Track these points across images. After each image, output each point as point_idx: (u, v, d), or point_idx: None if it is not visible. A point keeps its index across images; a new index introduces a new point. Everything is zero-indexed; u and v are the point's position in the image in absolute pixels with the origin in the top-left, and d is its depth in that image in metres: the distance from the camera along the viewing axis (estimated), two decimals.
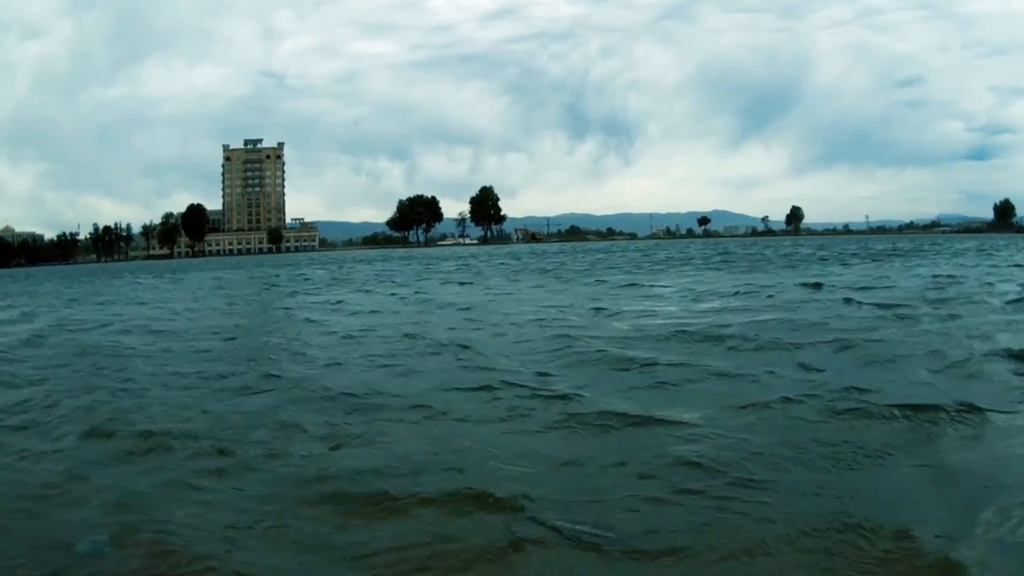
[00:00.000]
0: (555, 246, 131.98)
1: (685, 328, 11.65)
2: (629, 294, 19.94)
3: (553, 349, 10.25)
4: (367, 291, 25.77)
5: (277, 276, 43.18)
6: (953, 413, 6.08)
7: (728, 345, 10.00)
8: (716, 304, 16.21)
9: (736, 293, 18.64)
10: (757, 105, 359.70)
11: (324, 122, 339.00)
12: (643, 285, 23.07)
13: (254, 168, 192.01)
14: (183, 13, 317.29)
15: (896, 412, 6.16)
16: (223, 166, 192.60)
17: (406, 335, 12.32)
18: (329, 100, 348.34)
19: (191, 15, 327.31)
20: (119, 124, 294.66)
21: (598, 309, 15.53)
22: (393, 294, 23.46)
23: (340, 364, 9.96)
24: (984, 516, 4.19)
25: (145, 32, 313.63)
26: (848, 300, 15.26)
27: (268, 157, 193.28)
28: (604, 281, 25.03)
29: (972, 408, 6.17)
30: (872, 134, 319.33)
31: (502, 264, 47.94)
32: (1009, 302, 14.43)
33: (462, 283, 27.61)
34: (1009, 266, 28.20)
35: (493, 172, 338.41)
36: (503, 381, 8.02)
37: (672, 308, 15.64)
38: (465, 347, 10.67)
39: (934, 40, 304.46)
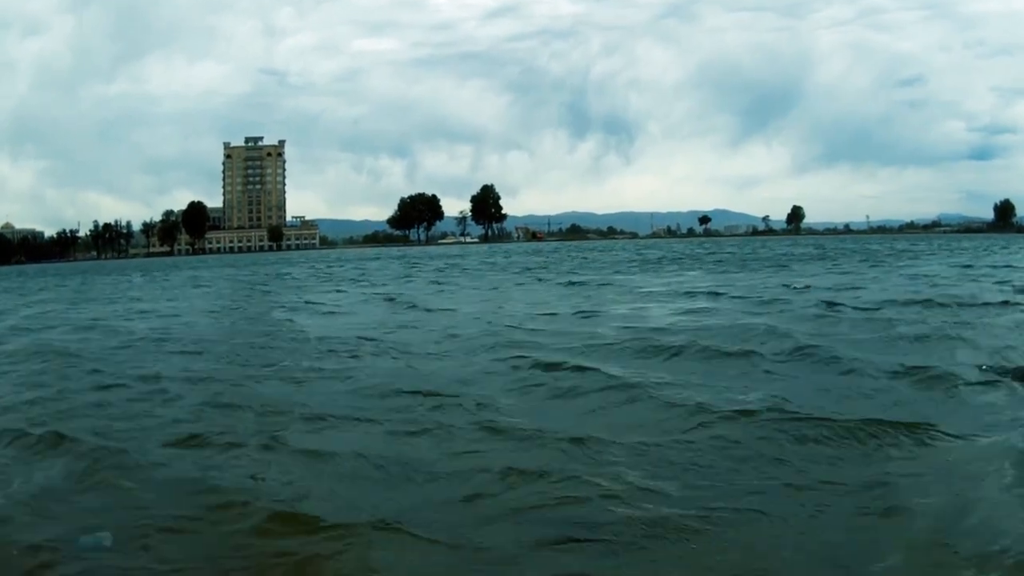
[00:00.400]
0: (551, 245, 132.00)
1: (644, 332, 11.38)
2: (599, 295, 19.66)
3: (492, 349, 10.07)
4: (342, 291, 25.61)
5: (266, 275, 43.07)
6: (903, 436, 5.61)
7: (681, 352, 9.57)
8: (687, 306, 15.92)
9: (714, 294, 18.32)
10: (758, 104, 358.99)
11: (325, 120, 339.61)
12: (620, 285, 22.82)
13: (255, 166, 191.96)
14: (183, 10, 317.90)
15: (841, 431, 5.74)
16: (224, 163, 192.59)
17: (359, 338, 12.11)
18: (330, 98, 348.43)
19: (191, 12, 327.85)
20: (120, 121, 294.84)
21: (560, 312, 15.27)
22: (377, 294, 23.21)
23: (272, 367, 9.71)
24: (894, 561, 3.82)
25: (145, 29, 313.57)
26: (829, 303, 14.82)
27: (269, 155, 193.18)
28: (581, 283, 24.74)
29: (923, 429, 5.71)
30: (873, 133, 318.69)
31: (489, 263, 48.01)
32: (994, 304, 14.09)
33: (441, 283, 27.40)
34: (1004, 267, 27.90)
35: (494, 170, 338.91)
36: (428, 390, 7.72)
37: (643, 311, 15.31)
38: (405, 352, 10.45)
39: (936, 40, 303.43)
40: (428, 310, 16.80)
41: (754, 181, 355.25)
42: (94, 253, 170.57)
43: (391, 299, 19.99)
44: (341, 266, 53.15)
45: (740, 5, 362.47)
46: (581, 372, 8.27)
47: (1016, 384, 7.15)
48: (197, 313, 18.88)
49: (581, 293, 20.52)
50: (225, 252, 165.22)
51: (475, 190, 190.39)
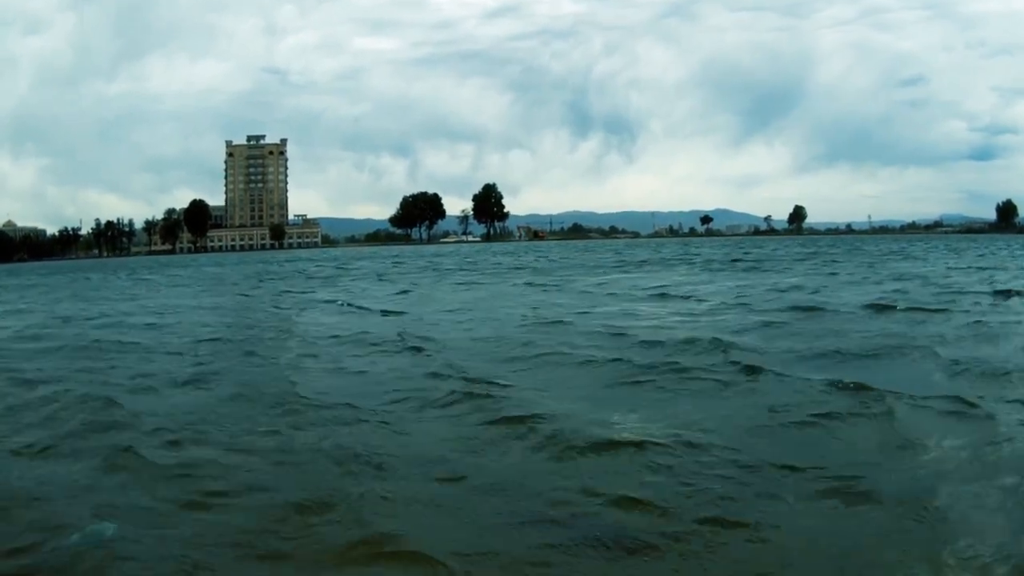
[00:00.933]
0: (543, 244, 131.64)
1: (578, 338, 11.07)
2: (559, 297, 19.26)
3: (399, 355, 9.77)
4: (313, 291, 25.46)
5: (247, 274, 42.90)
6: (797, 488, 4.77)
7: (592, 364, 9.01)
8: (647, 308, 15.57)
9: (683, 297, 17.92)
10: (759, 104, 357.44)
11: (327, 118, 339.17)
12: (590, 287, 22.51)
13: (256, 164, 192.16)
14: (184, 8, 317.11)
15: (726, 476, 5.00)
16: (226, 162, 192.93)
17: (271, 339, 11.86)
18: (332, 96, 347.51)
19: (192, 10, 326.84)
20: (121, 119, 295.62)
21: (501, 317, 14.97)
22: (327, 299, 22.97)
23: (147, 378, 9.36)
24: None
25: (146, 27, 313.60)
26: (798, 308, 14.33)
27: (271, 153, 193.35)
28: (549, 285, 24.46)
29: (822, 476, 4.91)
30: (875, 133, 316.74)
31: (470, 262, 48.04)
32: (972, 310, 13.64)
33: (417, 284, 27.22)
34: (997, 269, 27.50)
35: (496, 169, 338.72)
36: (311, 402, 7.41)
37: (594, 315, 14.93)
38: (313, 356, 10.24)
39: (937, 40, 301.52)
40: (383, 312, 16.53)
41: (756, 181, 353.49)
42: (96, 251, 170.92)
43: (342, 303, 19.70)
44: (326, 265, 53.08)
45: (741, 5, 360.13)
46: (469, 382, 7.86)
47: (972, 408, 6.34)
48: (159, 314, 18.65)
49: (542, 295, 20.21)
50: (227, 251, 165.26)
51: (477, 189, 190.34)
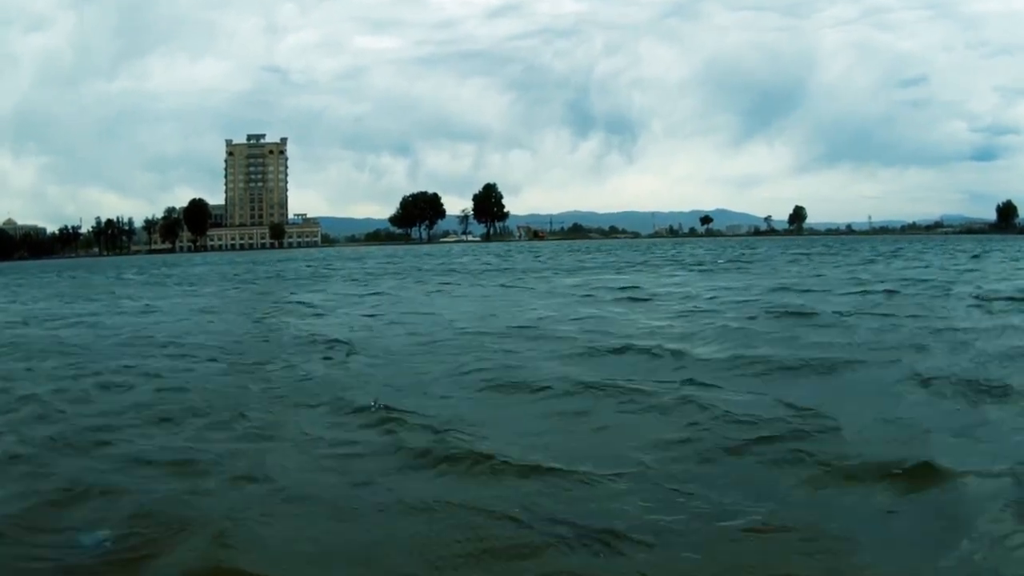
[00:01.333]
0: (539, 244, 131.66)
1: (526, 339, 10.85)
2: (525, 299, 19.01)
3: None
4: (294, 292, 25.50)
5: (235, 275, 42.74)
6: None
7: (517, 365, 8.77)
8: (614, 312, 15.32)
9: (661, 299, 17.71)
10: (760, 103, 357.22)
11: (327, 118, 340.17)
12: (567, 287, 22.31)
13: (257, 163, 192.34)
14: (185, 7, 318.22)
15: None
16: (226, 161, 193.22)
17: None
18: (332, 96, 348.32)
19: (193, 9, 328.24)
20: (121, 118, 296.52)
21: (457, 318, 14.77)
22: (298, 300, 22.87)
23: (80, 379, 9.05)
24: None
25: (147, 26, 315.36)
26: (776, 311, 13.95)
27: (271, 152, 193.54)
28: (524, 287, 24.25)
29: None
30: (875, 133, 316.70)
31: (460, 262, 48.01)
32: (952, 316, 13.22)
33: (392, 287, 27.11)
34: (979, 271, 27.19)
35: (496, 169, 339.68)
36: (200, 408, 7.18)
37: (557, 317, 14.67)
38: (253, 363, 10.01)
39: (939, 39, 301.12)
40: (351, 315, 16.38)
41: (756, 181, 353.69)
42: (96, 249, 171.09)
43: (309, 305, 19.57)
44: (316, 265, 52.99)
45: (743, 4, 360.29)
46: (391, 391, 7.56)
47: (922, 429, 5.76)
48: (115, 314, 18.51)
49: (514, 297, 20.08)
50: (227, 249, 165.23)
51: (477, 188, 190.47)
